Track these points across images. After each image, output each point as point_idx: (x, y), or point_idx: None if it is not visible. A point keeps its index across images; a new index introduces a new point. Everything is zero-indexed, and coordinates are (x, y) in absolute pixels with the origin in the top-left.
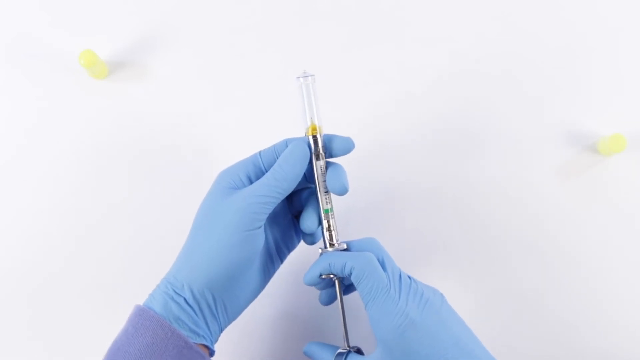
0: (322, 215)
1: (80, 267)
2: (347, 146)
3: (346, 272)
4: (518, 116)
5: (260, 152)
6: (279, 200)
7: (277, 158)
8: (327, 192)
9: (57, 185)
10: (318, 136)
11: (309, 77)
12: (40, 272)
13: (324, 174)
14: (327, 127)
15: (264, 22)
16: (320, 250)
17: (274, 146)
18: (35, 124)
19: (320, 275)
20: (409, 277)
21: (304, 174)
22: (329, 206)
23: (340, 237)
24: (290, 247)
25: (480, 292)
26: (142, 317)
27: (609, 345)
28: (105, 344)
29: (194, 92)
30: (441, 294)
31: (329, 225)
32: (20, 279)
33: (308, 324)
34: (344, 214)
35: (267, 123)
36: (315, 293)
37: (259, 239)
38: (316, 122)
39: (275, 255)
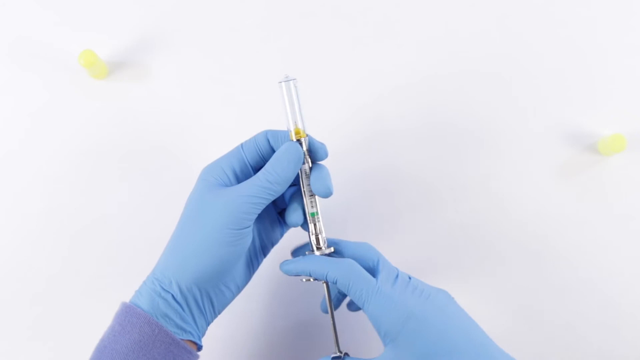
0: (308, 218)
1: (80, 267)
2: (324, 152)
3: (330, 281)
4: (518, 116)
5: (242, 145)
6: (269, 202)
7: (259, 150)
8: (312, 195)
9: (57, 185)
10: (303, 141)
11: (291, 81)
12: (39, 272)
13: (309, 177)
14: (327, 128)
15: (264, 22)
16: (306, 252)
17: (255, 138)
18: (35, 124)
19: (301, 279)
20: (409, 277)
21: None
22: (314, 209)
23: (339, 236)
24: (274, 242)
25: (480, 291)
26: (129, 315)
27: (609, 346)
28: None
29: (193, 92)
30: (448, 294)
31: (315, 229)
32: (21, 278)
33: (305, 329)
34: (343, 213)
35: (267, 123)
36: (309, 296)
37: (247, 238)
38: (300, 126)
39: (259, 251)
